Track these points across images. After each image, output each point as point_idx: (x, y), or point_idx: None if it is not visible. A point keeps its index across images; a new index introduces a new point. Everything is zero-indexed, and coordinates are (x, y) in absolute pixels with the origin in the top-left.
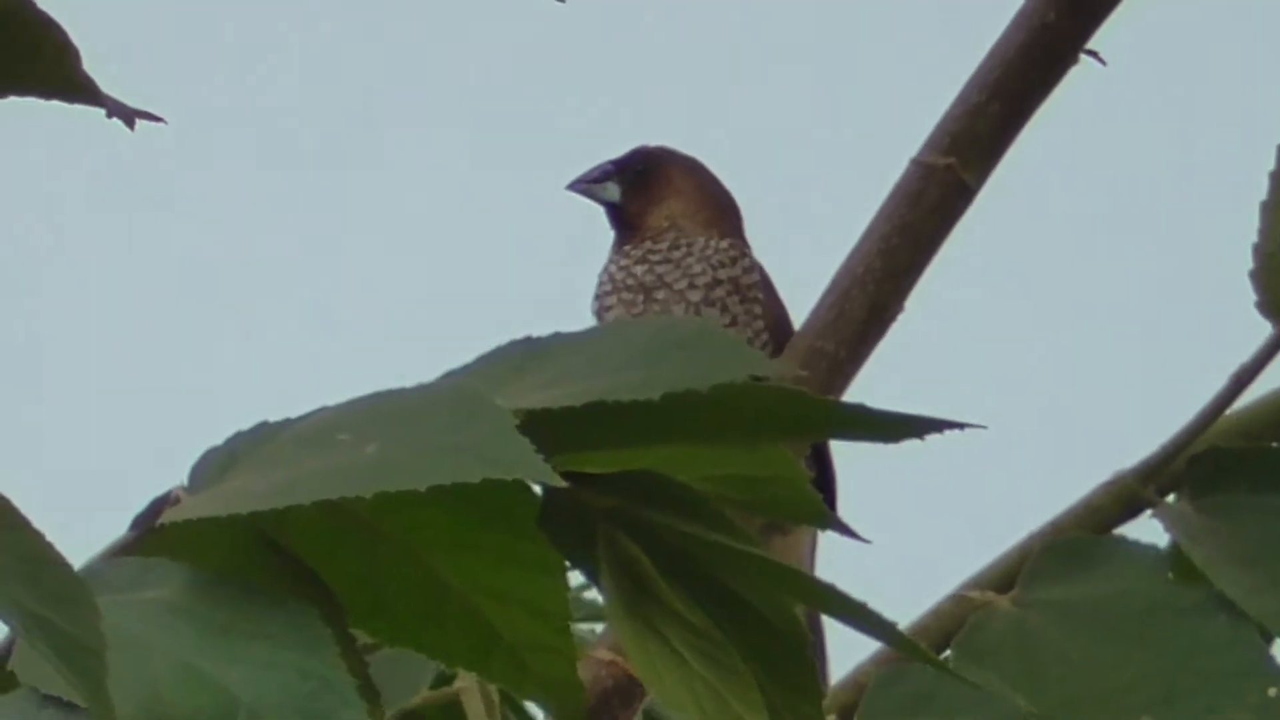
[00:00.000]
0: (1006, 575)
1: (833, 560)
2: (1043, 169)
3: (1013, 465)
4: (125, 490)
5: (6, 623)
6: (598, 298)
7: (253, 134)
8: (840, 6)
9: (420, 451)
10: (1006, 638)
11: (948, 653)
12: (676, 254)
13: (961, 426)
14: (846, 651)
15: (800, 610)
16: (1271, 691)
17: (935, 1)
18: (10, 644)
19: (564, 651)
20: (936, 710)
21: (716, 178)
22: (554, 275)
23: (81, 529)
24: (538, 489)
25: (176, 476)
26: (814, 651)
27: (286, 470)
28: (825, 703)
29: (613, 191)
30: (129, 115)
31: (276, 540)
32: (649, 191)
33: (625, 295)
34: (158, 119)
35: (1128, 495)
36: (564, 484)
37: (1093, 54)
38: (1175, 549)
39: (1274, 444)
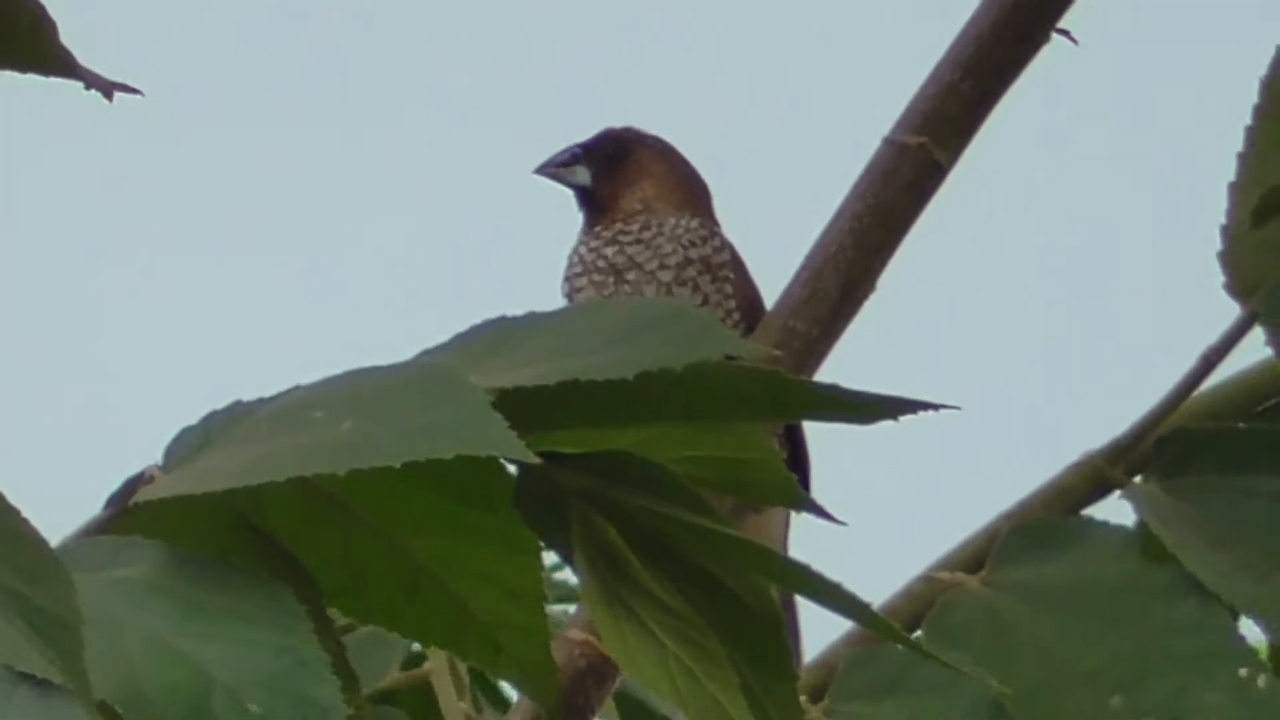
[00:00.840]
0: (976, 556)
1: (802, 541)
2: (1015, 148)
3: (983, 445)
4: (101, 469)
5: None
6: (568, 279)
7: (229, 113)
8: None
9: (395, 429)
10: (977, 618)
11: (918, 633)
12: (647, 234)
13: (935, 408)
14: (819, 632)
15: (774, 590)
16: (1242, 672)
17: None
18: None
19: (537, 631)
20: (907, 691)
21: (685, 158)
22: (524, 256)
23: (62, 504)
24: (512, 468)
25: (151, 456)
26: (788, 632)
27: (261, 448)
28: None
29: (582, 175)
30: (107, 88)
31: (252, 520)
32: (620, 175)
33: (596, 277)
34: (136, 91)
35: (1096, 476)
36: (539, 461)
37: (1064, 33)
38: (1144, 530)
39: (1242, 425)
